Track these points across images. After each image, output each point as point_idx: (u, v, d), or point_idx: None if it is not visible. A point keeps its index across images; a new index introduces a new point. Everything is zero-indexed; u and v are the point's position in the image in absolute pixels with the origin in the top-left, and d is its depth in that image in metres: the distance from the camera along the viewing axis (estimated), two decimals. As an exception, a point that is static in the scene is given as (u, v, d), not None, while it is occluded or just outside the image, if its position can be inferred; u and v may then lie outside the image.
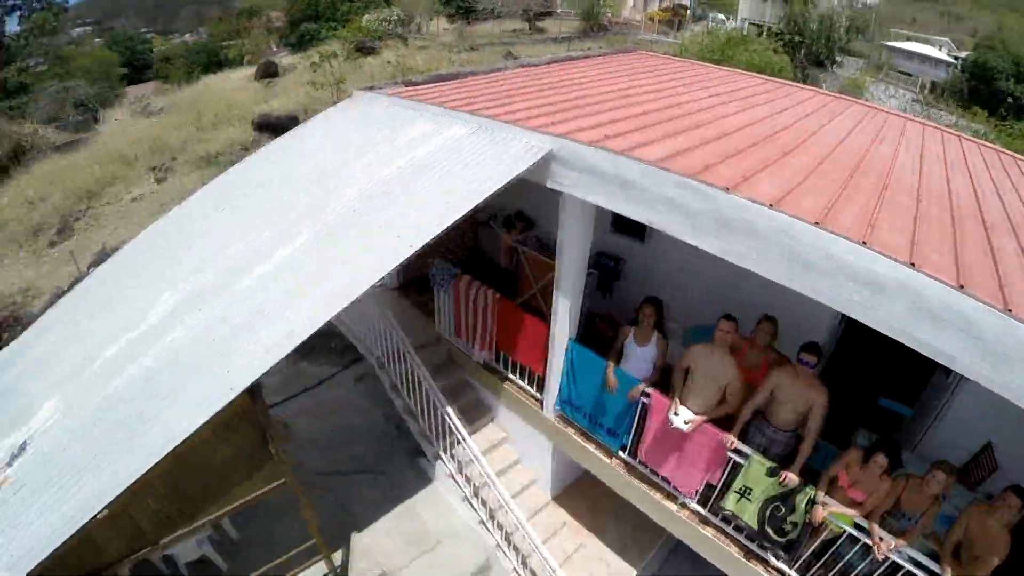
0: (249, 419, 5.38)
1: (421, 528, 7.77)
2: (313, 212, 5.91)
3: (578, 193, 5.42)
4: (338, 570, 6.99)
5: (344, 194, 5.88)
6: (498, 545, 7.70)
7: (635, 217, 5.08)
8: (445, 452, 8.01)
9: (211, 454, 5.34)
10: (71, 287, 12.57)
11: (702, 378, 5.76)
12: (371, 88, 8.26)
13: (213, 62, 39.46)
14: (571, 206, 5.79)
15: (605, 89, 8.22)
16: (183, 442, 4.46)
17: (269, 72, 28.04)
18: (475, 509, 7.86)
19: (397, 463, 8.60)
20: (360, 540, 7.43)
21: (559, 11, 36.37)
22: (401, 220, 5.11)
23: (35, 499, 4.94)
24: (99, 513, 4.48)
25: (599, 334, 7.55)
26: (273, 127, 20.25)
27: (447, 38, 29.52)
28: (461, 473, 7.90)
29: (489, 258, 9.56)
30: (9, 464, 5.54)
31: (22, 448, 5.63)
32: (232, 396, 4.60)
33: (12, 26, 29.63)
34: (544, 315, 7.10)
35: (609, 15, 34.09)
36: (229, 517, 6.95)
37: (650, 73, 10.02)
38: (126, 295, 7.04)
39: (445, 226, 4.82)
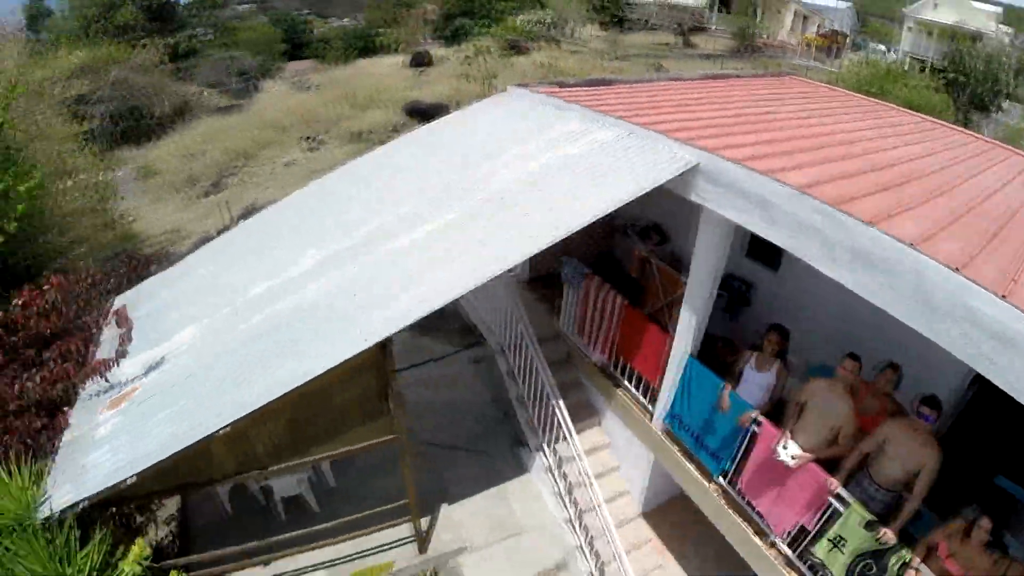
0: (376, 370, 5.87)
1: (508, 514, 8.03)
2: (461, 194, 6.37)
3: (719, 209, 5.47)
4: (422, 535, 7.39)
5: (491, 181, 6.29)
6: (579, 547, 7.81)
7: (773, 239, 5.07)
8: (548, 445, 8.20)
9: (333, 396, 5.83)
10: (219, 233, 14.09)
11: (816, 415, 5.61)
12: (523, 85, 8.66)
13: (368, 47, 42.19)
14: (710, 222, 5.84)
15: (754, 111, 8.14)
16: (312, 380, 4.97)
17: (421, 61, 29.63)
18: (565, 507, 8.01)
19: (498, 447, 8.90)
20: (448, 513, 7.76)
21: (712, 28, 35.69)
22: (544, 211, 5.41)
23: (161, 409, 5.71)
24: (221, 430, 5.08)
25: (716, 355, 7.48)
26: (422, 113, 21.43)
27: (598, 45, 29.86)
28: (559, 469, 8.09)
29: (618, 263, 9.68)
30: (145, 375, 6.42)
31: (159, 363, 6.53)
32: (364, 347, 5.08)
33: (183, -4, 33.06)
34: (665, 327, 7.16)
35: (764, 37, 33.02)
36: (331, 462, 7.56)
37: (801, 99, 9.74)
38: (270, 247, 7.87)
39: (587, 222, 5.06)
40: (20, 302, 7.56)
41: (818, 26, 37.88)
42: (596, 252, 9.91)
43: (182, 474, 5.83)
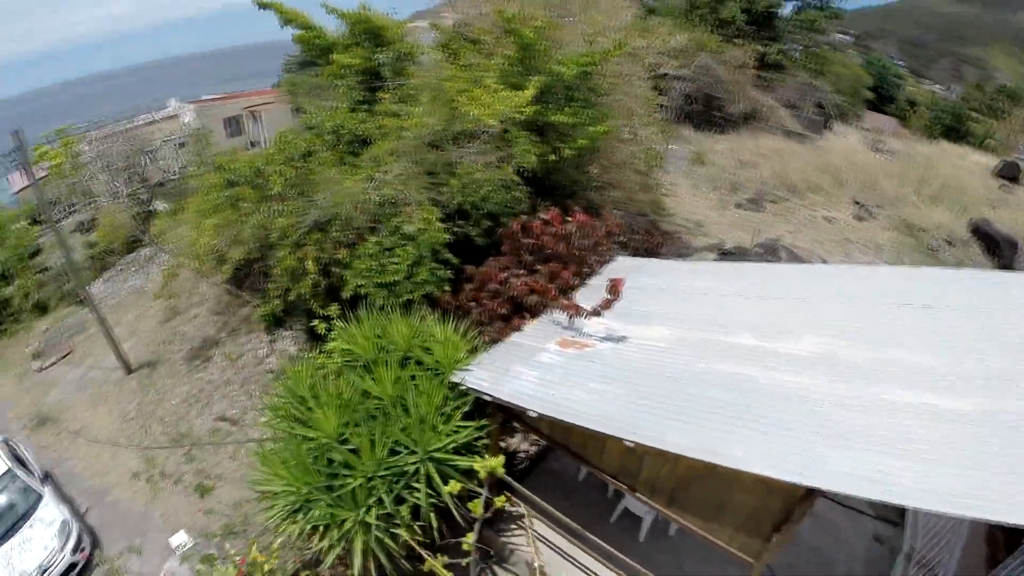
0: (784, 501, 5.06)
1: None
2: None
3: None
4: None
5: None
6: None
7: None
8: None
9: (734, 488, 5.31)
10: (732, 253, 14.15)
11: None
12: None
13: (955, 128, 36.02)
14: None
15: None
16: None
17: (1010, 174, 23.85)
18: None
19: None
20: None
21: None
22: None
23: (597, 380, 6.02)
24: (628, 441, 5.17)
25: None
26: (987, 237, 17.34)
27: None
28: None
29: None
30: (601, 341, 6.91)
31: (620, 339, 6.87)
32: (798, 481, 4.35)
33: (786, 10, 32.47)
34: None
35: None
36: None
37: None
38: (772, 304, 7.33)
39: None
40: (545, 217, 9.15)
41: None
42: None
43: (572, 440, 6.31)
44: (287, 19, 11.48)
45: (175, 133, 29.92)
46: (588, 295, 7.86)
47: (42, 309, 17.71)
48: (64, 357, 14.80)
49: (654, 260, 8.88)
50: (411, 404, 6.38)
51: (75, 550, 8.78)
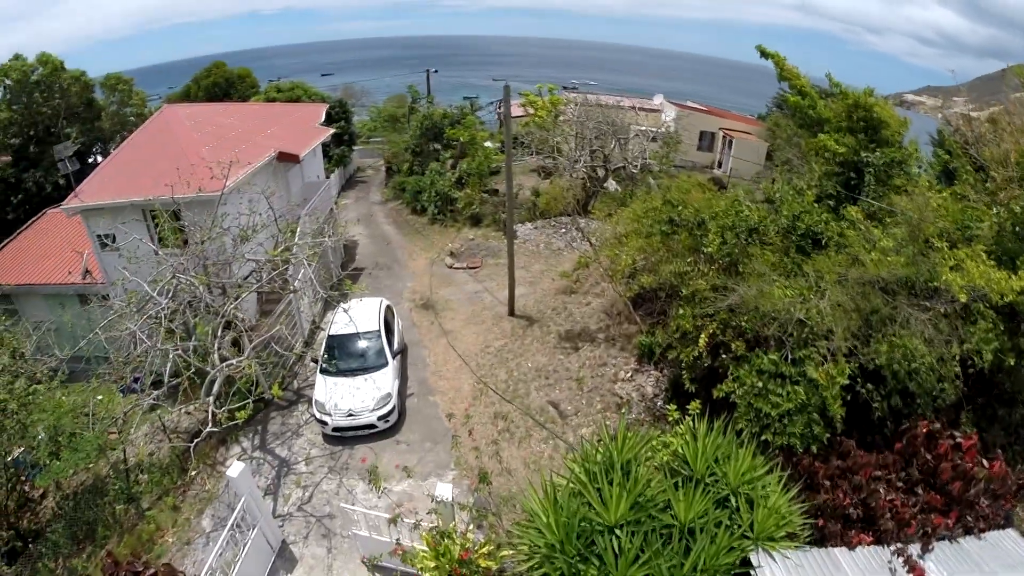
0: None
1: None
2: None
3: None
4: None
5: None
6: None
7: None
8: None
9: None
10: None
11: None
12: None
13: None
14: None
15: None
16: None
17: None
18: None
19: None
20: None
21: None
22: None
23: None
24: None
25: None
26: None
27: None
28: None
29: None
30: None
31: None
32: None
33: None
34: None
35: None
36: None
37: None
38: None
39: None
40: (960, 441, 6.95)
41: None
42: None
43: None
44: (784, 76, 10.91)
45: (652, 126, 32.40)
46: (953, 556, 5.98)
47: (475, 221, 21.51)
48: (471, 268, 18.00)
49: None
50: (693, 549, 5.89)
51: (382, 419, 10.54)
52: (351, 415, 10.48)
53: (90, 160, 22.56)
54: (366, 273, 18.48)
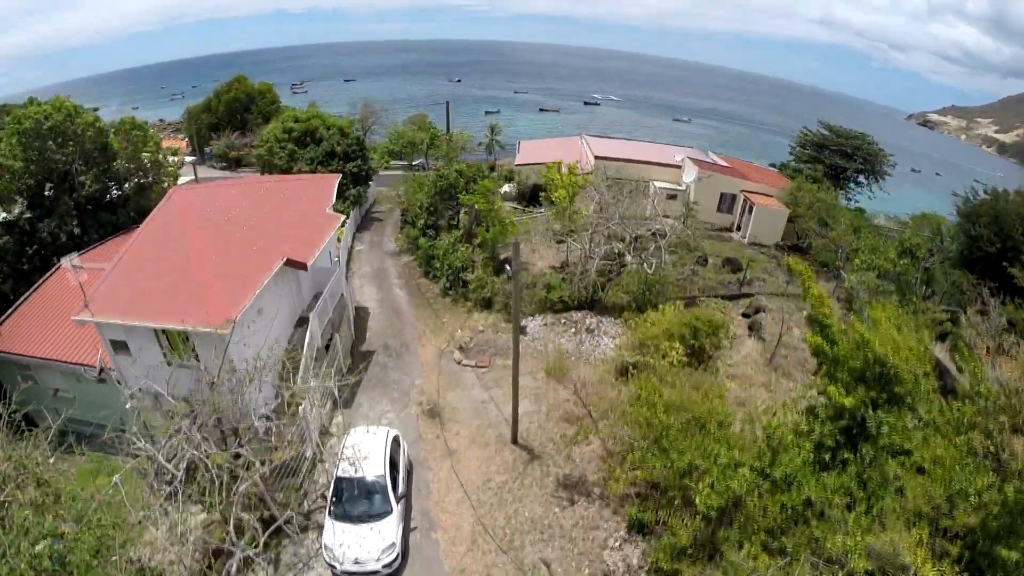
0: None
1: None
2: None
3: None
4: None
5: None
6: None
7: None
8: None
9: None
10: None
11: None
12: None
13: None
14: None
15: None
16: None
17: None
18: None
19: None
20: None
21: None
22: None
23: None
24: None
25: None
26: None
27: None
28: None
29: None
30: None
31: None
32: None
33: None
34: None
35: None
36: None
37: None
38: None
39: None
40: None
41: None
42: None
43: None
44: (809, 299, 10.84)
45: (668, 182, 32.56)
46: None
47: (486, 305, 21.89)
48: (480, 367, 18.44)
49: None
50: None
51: (387, 566, 11.32)
52: (357, 563, 11.26)
53: (106, 199, 23.07)
54: (375, 362, 19.01)
